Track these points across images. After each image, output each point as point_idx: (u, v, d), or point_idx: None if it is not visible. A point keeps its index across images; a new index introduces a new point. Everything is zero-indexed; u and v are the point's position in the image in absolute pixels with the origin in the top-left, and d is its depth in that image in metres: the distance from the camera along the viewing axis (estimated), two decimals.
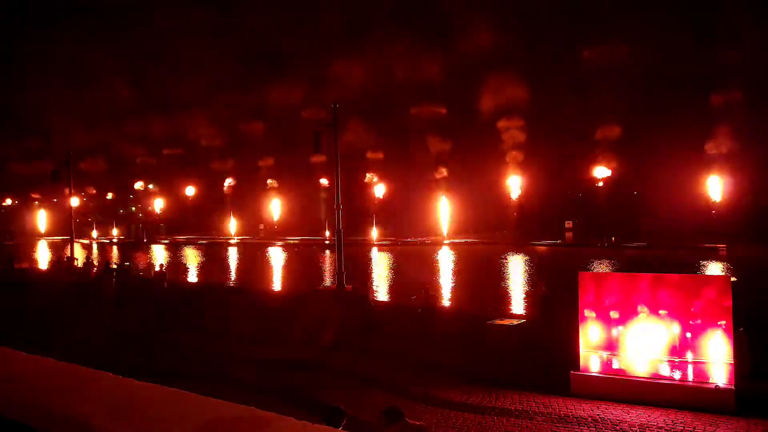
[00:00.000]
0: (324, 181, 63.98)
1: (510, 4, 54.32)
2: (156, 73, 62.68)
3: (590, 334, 12.32)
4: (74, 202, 41.84)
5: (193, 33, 60.05)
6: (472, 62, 55.38)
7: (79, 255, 40.58)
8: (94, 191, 77.00)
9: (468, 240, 53.65)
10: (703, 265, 34.38)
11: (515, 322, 17.22)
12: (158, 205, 76.63)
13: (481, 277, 34.27)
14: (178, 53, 61.52)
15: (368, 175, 63.36)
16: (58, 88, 61.83)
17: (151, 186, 77.49)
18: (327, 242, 52.93)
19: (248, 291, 30.78)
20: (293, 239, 60.10)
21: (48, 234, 72.23)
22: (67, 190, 40.24)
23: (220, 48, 61.69)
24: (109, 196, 78.94)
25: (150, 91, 63.41)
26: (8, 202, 78.81)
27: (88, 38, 62.95)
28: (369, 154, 62.74)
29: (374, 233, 56.70)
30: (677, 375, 11.62)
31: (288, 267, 43.04)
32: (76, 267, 34.51)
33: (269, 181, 69.25)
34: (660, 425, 10.36)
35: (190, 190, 73.48)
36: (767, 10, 46.46)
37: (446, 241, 53.94)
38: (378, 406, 11.60)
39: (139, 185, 77.39)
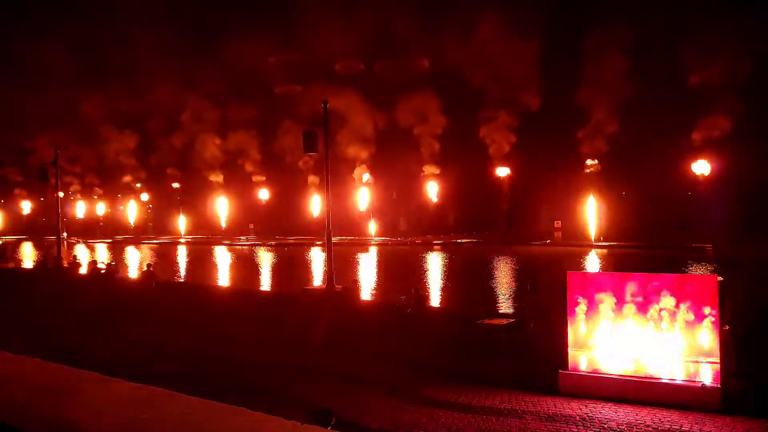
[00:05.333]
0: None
1: None
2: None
3: (578, 333, 12.39)
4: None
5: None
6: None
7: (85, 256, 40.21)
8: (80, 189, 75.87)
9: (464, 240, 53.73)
10: (690, 265, 34.66)
11: (504, 321, 17.30)
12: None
13: (467, 276, 34.39)
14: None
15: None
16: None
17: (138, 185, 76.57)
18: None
19: (236, 290, 30.69)
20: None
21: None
22: (54, 189, 39.80)
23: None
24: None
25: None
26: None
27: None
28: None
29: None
30: (664, 374, 11.72)
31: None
32: (62, 266, 34.30)
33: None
34: (647, 423, 10.45)
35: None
36: None
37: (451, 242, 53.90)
38: (368, 406, 11.65)
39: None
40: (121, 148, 69.44)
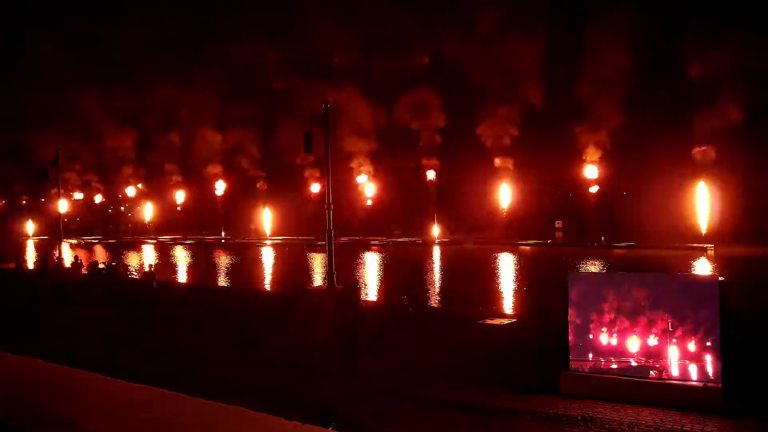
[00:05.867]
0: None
1: None
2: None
3: (579, 333, 12.36)
4: (63, 205, 41.38)
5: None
6: None
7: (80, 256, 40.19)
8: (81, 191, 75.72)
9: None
10: (692, 265, 34.64)
11: (506, 321, 17.29)
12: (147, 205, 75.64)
13: (468, 276, 34.36)
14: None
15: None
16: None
17: (140, 185, 76.41)
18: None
19: (237, 291, 30.66)
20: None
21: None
22: (54, 190, 39.83)
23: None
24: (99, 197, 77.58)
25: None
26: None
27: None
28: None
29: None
30: (665, 374, 11.70)
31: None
32: (64, 267, 34.28)
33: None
34: (649, 423, 10.45)
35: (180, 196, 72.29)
36: None
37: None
38: (369, 406, 11.64)
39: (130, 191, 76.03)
40: (122, 146, 69.51)
